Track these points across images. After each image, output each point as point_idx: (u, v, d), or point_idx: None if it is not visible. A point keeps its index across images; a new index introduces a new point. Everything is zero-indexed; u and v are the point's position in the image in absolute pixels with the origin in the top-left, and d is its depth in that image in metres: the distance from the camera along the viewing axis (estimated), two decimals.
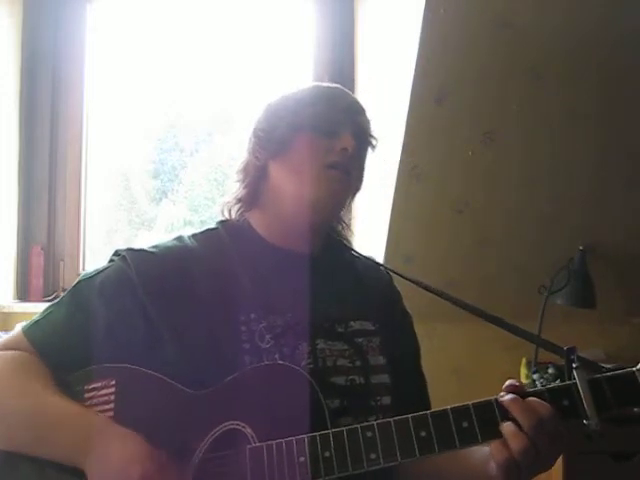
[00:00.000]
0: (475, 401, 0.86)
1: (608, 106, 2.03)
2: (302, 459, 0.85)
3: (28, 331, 1.02)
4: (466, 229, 2.28)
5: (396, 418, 0.86)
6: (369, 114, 1.13)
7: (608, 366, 2.40)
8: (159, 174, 2.94)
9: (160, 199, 2.91)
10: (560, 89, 1.99)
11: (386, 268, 1.21)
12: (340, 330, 1.04)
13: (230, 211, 1.12)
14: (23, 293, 2.47)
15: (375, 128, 1.14)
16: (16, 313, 2.31)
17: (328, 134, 1.06)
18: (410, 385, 1.11)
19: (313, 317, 1.02)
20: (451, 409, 0.86)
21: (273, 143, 1.07)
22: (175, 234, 1.11)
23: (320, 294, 1.04)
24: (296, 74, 2.68)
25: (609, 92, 2.00)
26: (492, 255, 2.33)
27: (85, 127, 2.56)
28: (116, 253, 1.07)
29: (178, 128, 2.94)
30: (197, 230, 1.12)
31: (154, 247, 1.07)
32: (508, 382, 0.88)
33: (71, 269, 2.51)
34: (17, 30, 2.44)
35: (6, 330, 2.06)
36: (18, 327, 1.05)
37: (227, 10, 2.70)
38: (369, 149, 1.13)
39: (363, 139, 1.10)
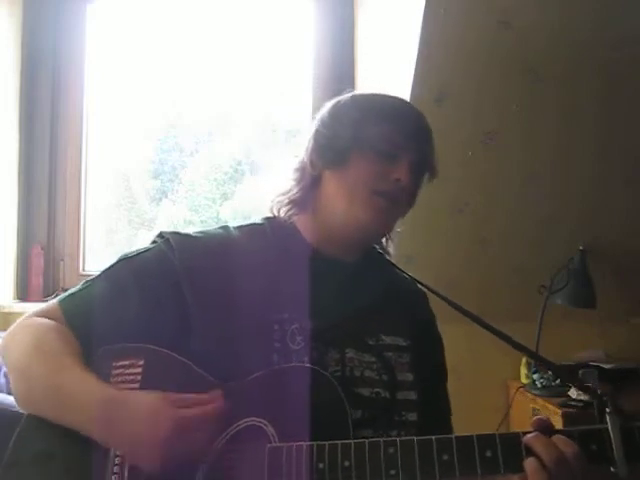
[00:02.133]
0: (502, 432, 0.85)
1: (608, 106, 2.03)
2: (321, 465, 0.84)
3: (63, 302, 1.02)
4: (466, 229, 2.28)
5: (420, 438, 0.85)
6: (433, 141, 1.09)
7: (608, 366, 2.41)
8: (159, 174, 2.94)
9: (160, 199, 2.91)
10: (560, 89, 1.99)
11: (420, 283, 1.18)
12: (371, 342, 1.03)
13: (280, 210, 1.09)
14: (23, 293, 2.48)
15: (436, 157, 1.10)
16: (16, 313, 2.31)
17: (386, 157, 1.02)
18: (434, 409, 1.08)
19: (345, 326, 1.01)
20: (477, 436, 0.84)
21: (330, 153, 1.04)
22: (221, 224, 1.10)
23: (355, 304, 1.04)
24: (296, 74, 2.69)
25: (609, 92, 2.00)
26: (492, 255, 2.33)
27: (85, 127, 2.56)
28: (160, 235, 1.06)
29: (178, 128, 2.94)
30: (242, 223, 1.11)
31: (199, 233, 1.06)
32: (536, 418, 0.86)
33: (71, 269, 2.51)
34: (17, 30, 2.45)
35: (6, 330, 2.05)
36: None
37: (227, 10, 2.70)
38: (426, 176, 1.10)
39: (421, 168, 1.07)
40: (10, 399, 1.54)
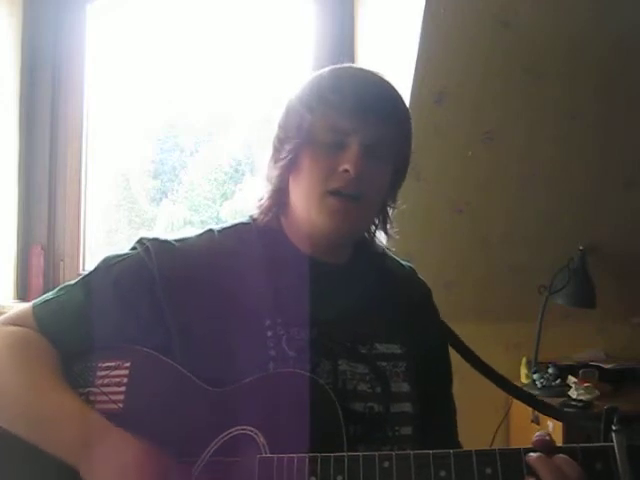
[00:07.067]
0: (502, 447, 0.82)
1: (608, 106, 2.03)
2: (313, 479, 0.81)
3: (37, 308, 0.98)
4: (466, 229, 2.28)
5: (416, 452, 0.82)
6: (397, 109, 0.96)
7: (608, 366, 2.41)
8: (159, 174, 2.94)
9: (160, 199, 2.91)
10: (560, 89, 1.99)
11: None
12: (363, 351, 0.97)
13: (262, 212, 1.02)
14: (23, 293, 2.47)
15: (404, 117, 0.97)
16: None
17: (333, 148, 0.93)
18: (438, 415, 1.04)
19: (337, 333, 0.95)
20: (476, 452, 0.81)
21: (284, 159, 0.96)
22: (205, 228, 1.04)
23: (347, 310, 0.97)
24: (296, 74, 2.69)
25: (608, 92, 2.00)
26: (492, 255, 2.33)
27: (85, 127, 2.56)
28: (140, 241, 1.01)
29: (178, 128, 2.94)
30: (227, 224, 1.05)
31: (181, 240, 1.00)
32: (537, 436, 0.82)
33: (71, 269, 2.51)
34: (17, 30, 2.44)
35: None
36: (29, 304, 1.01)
37: (227, 10, 2.70)
38: (403, 144, 0.98)
39: (382, 147, 0.94)
40: None
